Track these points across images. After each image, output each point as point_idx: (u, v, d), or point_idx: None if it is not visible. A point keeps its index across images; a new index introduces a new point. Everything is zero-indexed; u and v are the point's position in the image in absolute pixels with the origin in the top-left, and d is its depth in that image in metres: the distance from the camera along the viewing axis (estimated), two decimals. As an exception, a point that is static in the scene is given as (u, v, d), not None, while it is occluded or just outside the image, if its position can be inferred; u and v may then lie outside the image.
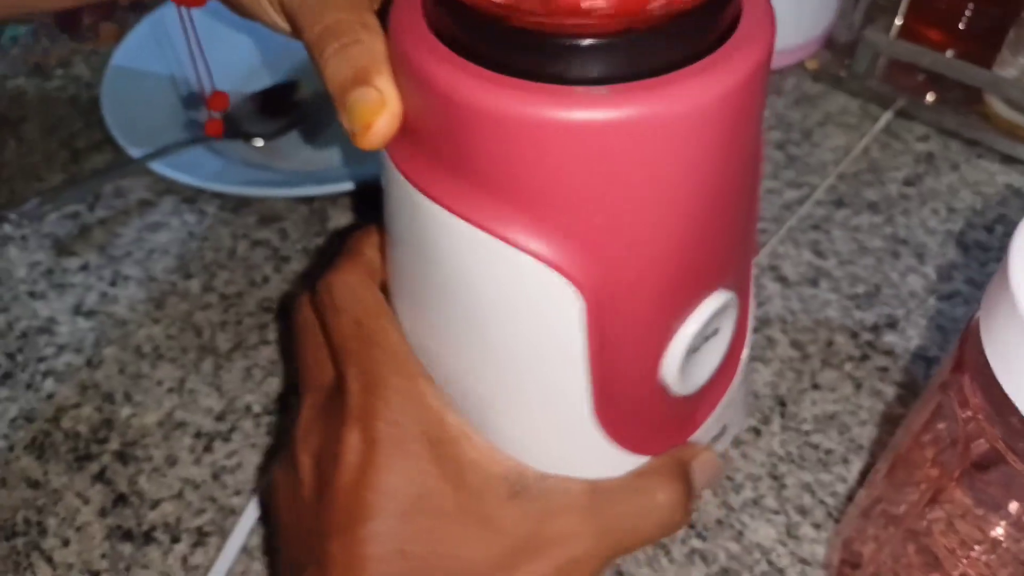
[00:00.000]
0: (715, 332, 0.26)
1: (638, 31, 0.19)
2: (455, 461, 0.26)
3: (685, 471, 0.28)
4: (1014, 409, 0.20)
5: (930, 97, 0.54)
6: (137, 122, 0.50)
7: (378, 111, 0.21)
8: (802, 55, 0.56)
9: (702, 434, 0.30)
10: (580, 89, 0.19)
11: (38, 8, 0.36)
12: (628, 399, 0.26)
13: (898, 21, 0.56)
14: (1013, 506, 0.24)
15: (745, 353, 0.31)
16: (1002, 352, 0.20)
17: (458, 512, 0.26)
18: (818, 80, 0.55)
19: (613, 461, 0.27)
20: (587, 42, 0.19)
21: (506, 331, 0.24)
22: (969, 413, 0.22)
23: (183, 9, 0.33)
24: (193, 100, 0.53)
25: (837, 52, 0.57)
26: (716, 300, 0.25)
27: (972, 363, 0.22)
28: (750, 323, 0.31)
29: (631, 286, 0.23)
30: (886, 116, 0.52)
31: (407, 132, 0.23)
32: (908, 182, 0.48)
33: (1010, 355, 0.20)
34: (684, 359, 0.25)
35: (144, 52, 0.55)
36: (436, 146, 0.22)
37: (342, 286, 0.28)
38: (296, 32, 0.25)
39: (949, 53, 0.56)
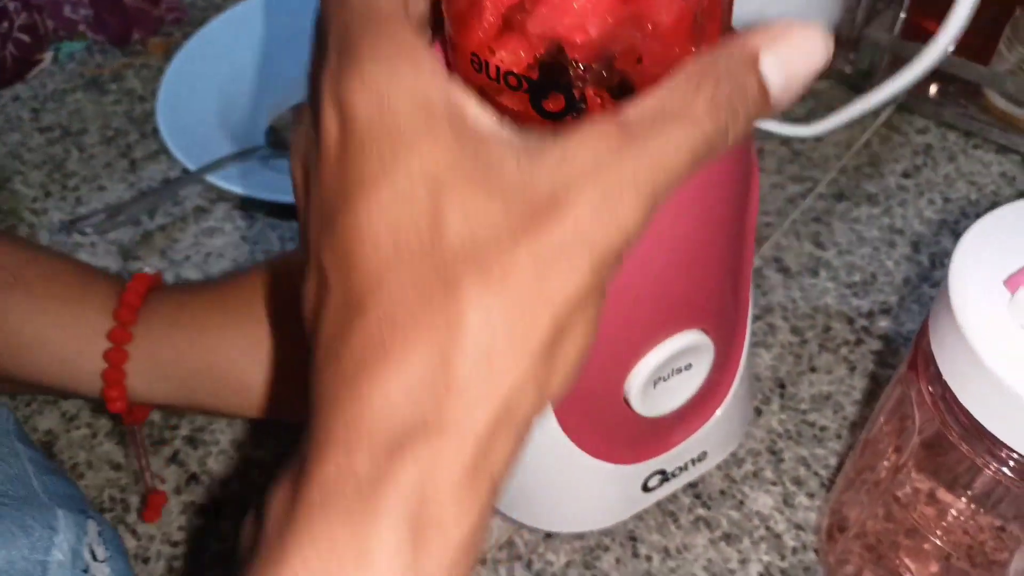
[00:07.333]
0: (687, 367, 0.29)
1: None
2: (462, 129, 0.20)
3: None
4: (960, 404, 0.24)
5: (932, 89, 0.57)
6: (191, 135, 0.54)
7: None
8: (808, 52, 0.59)
9: (678, 455, 0.33)
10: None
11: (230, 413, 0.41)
12: (593, 412, 0.29)
13: (902, 15, 0.58)
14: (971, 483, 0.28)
15: (731, 392, 0.33)
16: (948, 357, 0.24)
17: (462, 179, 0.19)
18: (822, 76, 0.58)
19: (580, 464, 0.31)
20: None
21: None
22: (923, 402, 0.26)
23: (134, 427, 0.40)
24: (240, 109, 0.58)
25: (842, 46, 0.60)
26: (684, 339, 0.28)
27: (924, 361, 0.26)
28: (742, 366, 0.33)
29: None
30: (887, 110, 0.55)
31: None
32: (906, 174, 0.51)
33: (954, 359, 0.24)
34: (647, 385, 0.28)
35: (193, 69, 0.59)
36: None
37: None
38: None
39: (950, 47, 0.59)
